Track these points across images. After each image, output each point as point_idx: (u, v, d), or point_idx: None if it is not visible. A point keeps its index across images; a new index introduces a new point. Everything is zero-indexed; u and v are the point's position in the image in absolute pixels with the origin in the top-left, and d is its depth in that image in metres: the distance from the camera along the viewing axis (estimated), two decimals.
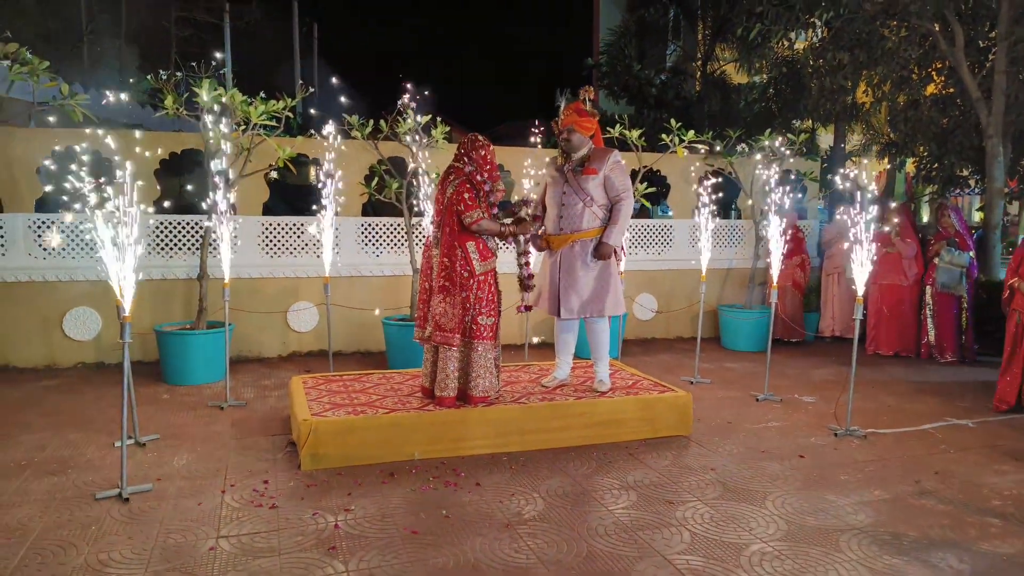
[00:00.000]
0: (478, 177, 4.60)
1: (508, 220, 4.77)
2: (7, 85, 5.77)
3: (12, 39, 5.57)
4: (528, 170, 7.26)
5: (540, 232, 5.14)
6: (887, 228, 7.83)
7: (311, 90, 6.75)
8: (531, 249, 5.07)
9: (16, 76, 5.65)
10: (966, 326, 7.63)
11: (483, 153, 4.67)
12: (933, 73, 9.71)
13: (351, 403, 4.71)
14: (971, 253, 7.60)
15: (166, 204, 6.67)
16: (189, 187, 6.87)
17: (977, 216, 13.59)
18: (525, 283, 4.94)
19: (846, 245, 5.18)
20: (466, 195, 4.53)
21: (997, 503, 3.88)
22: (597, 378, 5.15)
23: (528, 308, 5.04)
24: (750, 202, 8.59)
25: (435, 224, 4.72)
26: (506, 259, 4.96)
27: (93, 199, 3.79)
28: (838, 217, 8.56)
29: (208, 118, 5.98)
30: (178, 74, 6.09)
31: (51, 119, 5.64)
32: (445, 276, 4.55)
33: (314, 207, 6.30)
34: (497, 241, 4.76)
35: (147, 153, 6.63)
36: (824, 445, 4.80)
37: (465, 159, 4.65)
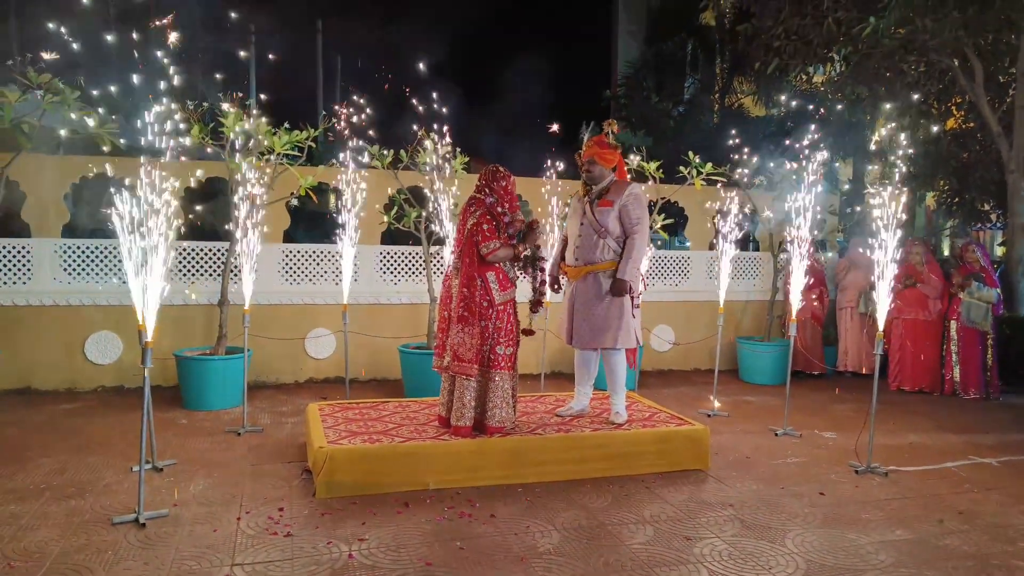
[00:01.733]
0: (499, 208, 4.66)
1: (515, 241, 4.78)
2: (39, 114, 5.92)
3: (45, 69, 5.74)
4: (547, 199, 7.28)
5: (556, 272, 5.16)
6: (913, 260, 7.77)
7: (333, 121, 6.85)
8: (545, 285, 5.05)
9: (48, 105, 5.80)
10: (991, 362, 7.51)
11: (504, 184, 4.73)
12: (953, 108, 9.71)
13: (367, 431, 4.72)
14: (998, 289, 7.52)
15: (185, 230, 6.77)
16: (212, 214, 6.98)
17: (999, 251, 13.46)
18: (537, 301, 4.90)
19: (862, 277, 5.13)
20: (485, 226, 4.58)
21: (1023, 545, 3.79)
22: (613, 410, 5.12)
23: (530, 332, 4.94)
24: (769, 233, 8.57)
25: (455, 254, 4.76)
26: (524, 288, 4.97)
27: (120, 226, 3.86)
28: (852, 249, 8.53)
29: (234, 146, 6.09)
30: (204, 104, 6.20)
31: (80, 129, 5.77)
32: (464, 306, 4.57)
33: (334, 236, 6.38)
34: (516, 272, 4.79)
35: (173, 181, 6.75)
36: (845, 482, 4.72)
37: (486, 190, 4.71)
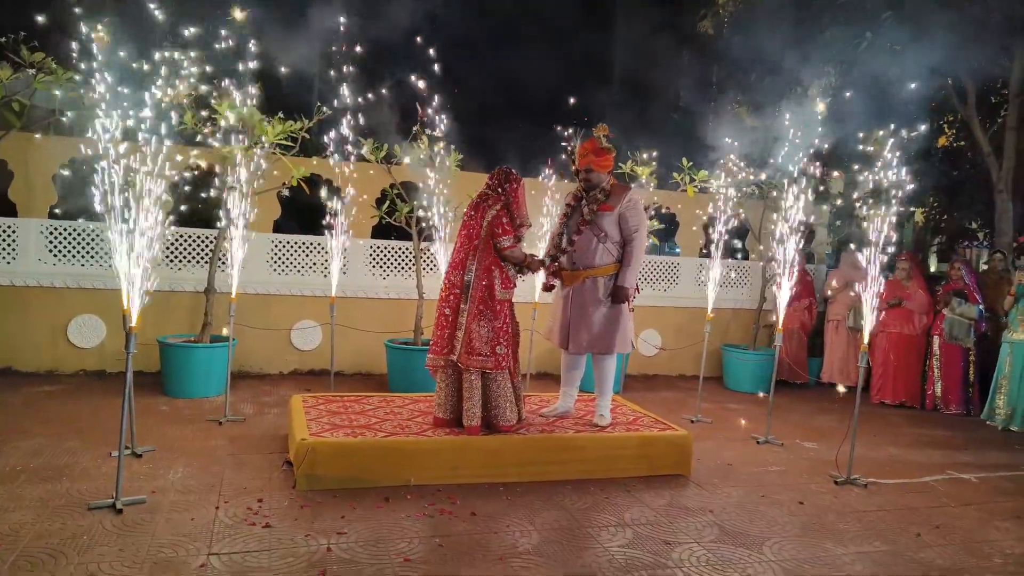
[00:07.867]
0: (512, 209, 4.74)
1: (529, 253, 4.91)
2: (31, 92, 5.86)
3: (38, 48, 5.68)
4: (543, 203, 7.24)
5: (555, 268, 5.14)
6: (897, 275, 7.82)
7: (327, 111, 6.79)
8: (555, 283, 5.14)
9: (40, 85, 5.74)
10: (972, 379, 7.58)
11: (515, 186, 4.79)
12: (945, 125, 9.80)
13: (350, 425, 4.70)
14: (981, 306, 7.59)
15: (173, 216, 6.70)
16: (202, 201, 6.92)
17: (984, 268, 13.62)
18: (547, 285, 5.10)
19: (853, 292, 5.17)
20: (504, 220, 4.67)
21: (998, 561, 3.82)
22: (598, 412, 5.12)
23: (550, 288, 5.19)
24: (759, 244, 8.61)
25: (464, 250, 4.73)
26: (523, 288, 5.02)
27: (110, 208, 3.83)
28: (849, 263, 8.57)
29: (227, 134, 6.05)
30: (198, 89, 6.15)
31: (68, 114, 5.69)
32: (483, 299, 4.62)
33: (325, 227, 6.35)
34: (516, 273, 4.84)
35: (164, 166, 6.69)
36: (824, 492, 4.75)
37: (499, 189, 4.75)
